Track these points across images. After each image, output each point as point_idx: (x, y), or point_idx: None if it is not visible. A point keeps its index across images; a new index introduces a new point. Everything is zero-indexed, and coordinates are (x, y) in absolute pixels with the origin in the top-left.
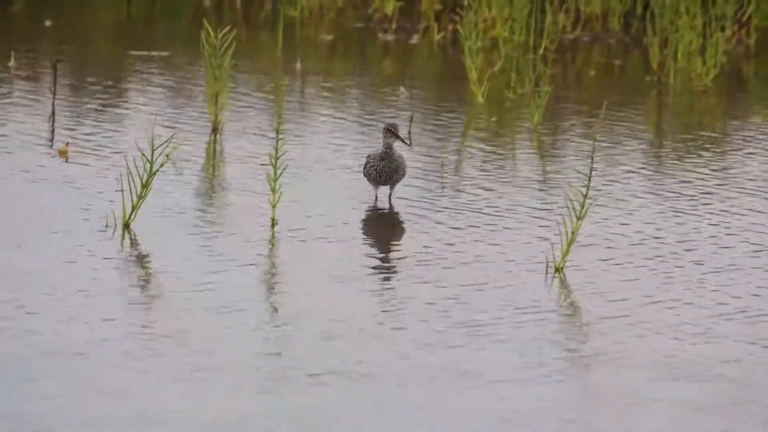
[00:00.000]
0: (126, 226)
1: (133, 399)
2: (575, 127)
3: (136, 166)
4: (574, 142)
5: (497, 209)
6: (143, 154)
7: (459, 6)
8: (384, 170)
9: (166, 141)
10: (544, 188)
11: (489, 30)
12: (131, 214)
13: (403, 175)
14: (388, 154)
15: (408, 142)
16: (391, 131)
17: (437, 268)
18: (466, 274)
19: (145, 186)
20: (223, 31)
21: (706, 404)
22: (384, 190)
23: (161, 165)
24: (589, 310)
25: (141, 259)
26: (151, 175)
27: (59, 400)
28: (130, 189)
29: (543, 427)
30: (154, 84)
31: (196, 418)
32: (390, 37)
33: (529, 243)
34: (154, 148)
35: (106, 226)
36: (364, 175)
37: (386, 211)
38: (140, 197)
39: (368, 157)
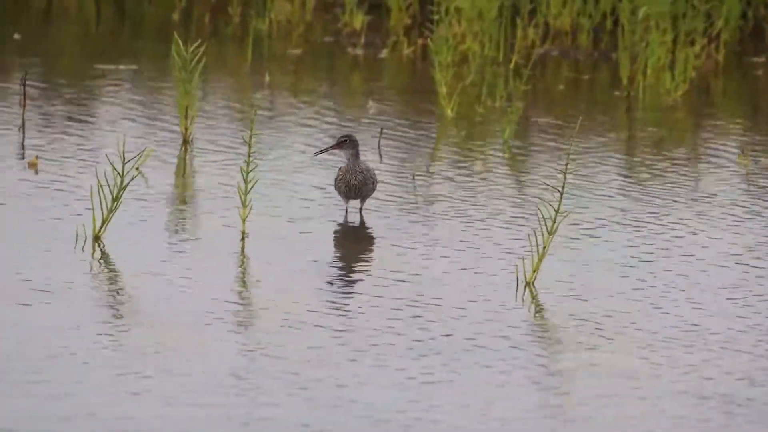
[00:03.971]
0: (96, 238)
1: (102, 409)
2: (545, 141)
3: (106, 179)
4: (544, 156)
5: (468, 223)
6: (114, 168)
7: (428, 21)
8: (351, 183)
9: (137, 155)
10: (515, 203)
11: (459, 44)
12: (102, 227)
13: (373, 189)
14: (350, 165)
15: (322, 150)
16: (339, 143)
17: (407, 282)
18: (435, 287)
19: (116, 199)
20: (194, 45)
21: (680, 414)
22: (354, 203)
23: (132, 179)
24: (558, 324)
25: (111, 272)
26: (122, 188)
27: (21, 410)
28: (101, 201)
29: None
30: (123, 97)
31: (163, 428)
32: (359, 52)
33: (500, 257)
34: (125, 161)
35: (77, 239)
36: (335, 189)
37: (356, 224)
38: (110, 210)
39: (339, 170)
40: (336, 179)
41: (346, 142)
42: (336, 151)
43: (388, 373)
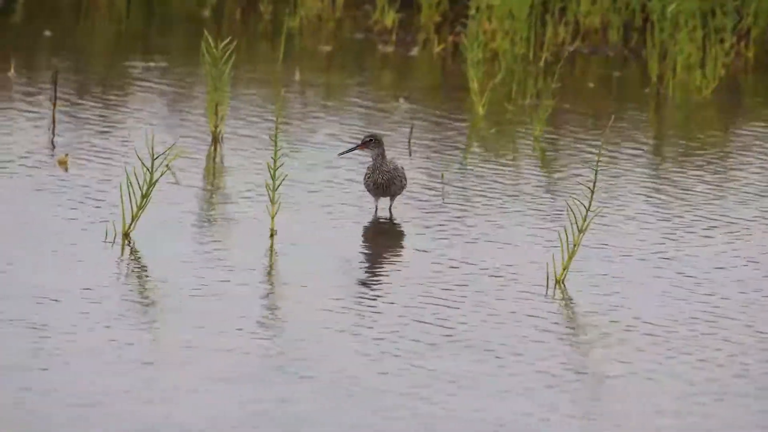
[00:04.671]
0: (126, 235)
1: (132, 407)
2: (576, 139)
3: (135, 176)
4: (575, 153)
5: (498, 221)
6: (143, 164)
7: (459, 18)
8: (378, 182)
9: (166, 151)
10: (545, 200)
11: (489, 42)
12: (131, 224)
13: (403, 187)
14: (377, 165)
15: (346, 151)
16: (364, 143)
17: (437, 280)
18: (465, 285)
19: (145, 196)
20: (224, 42)
21: (711, 419)
22: (384, 201)
23: (161, 175)
24: (589, 322)
25: (140, 269)
26: (151, 185)
27: (56, 406)
28: (130, 199)
29: None
30: (153, 94)
31: (194, 425)
32: (389, 49)
33: (531, 255)
34: (154, 158)
35: (106, 236)
36: (364, 186)
37: (386, 222)
38: (140, 207)
39: (367, 168)
40: (365, 177)
41: (371, 142)
42: (361, 150)
43: (417, 370)
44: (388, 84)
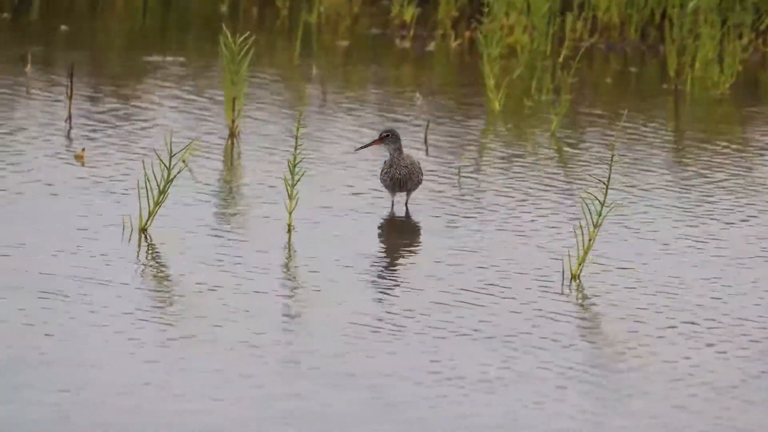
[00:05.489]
0: (143, 230)
1: (149, 401)
2: (593, 134)
3: (153, 172)
4: (591, 149)
5: (514, 216)
6: (161, 160)
7: (476, 13)
8: (395, 177)
9: (184, 149)
10: (562, 196)
11: (507, 37)
12: (148, 219)
13: (419, 182)
14: (395, 160)
15: (362, 146)
16: (381, 137)
17: (453, 274)
18: (482, 280)
19: (163, 192)
20: (242, 37)
21: (728, 415)
22: (400, 196)
23: (179, 172)
24: (605, 318)
25: (158, 264)
26: (169, 181)
27: (74, 400)
28: (147, 194)
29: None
30: (170, 89)
31: (213, 420)
32: (407, 44)
33: (546, 250)
34: (172, 154)
35: (123, 230)
36: (381, 182)
37: (402, 217)
38: (157, 203)
39: (384, 163)
40: (381, 172)
41: (388, 137)
42: (378, 146)
43: (434, 365)
44: (404, 79)
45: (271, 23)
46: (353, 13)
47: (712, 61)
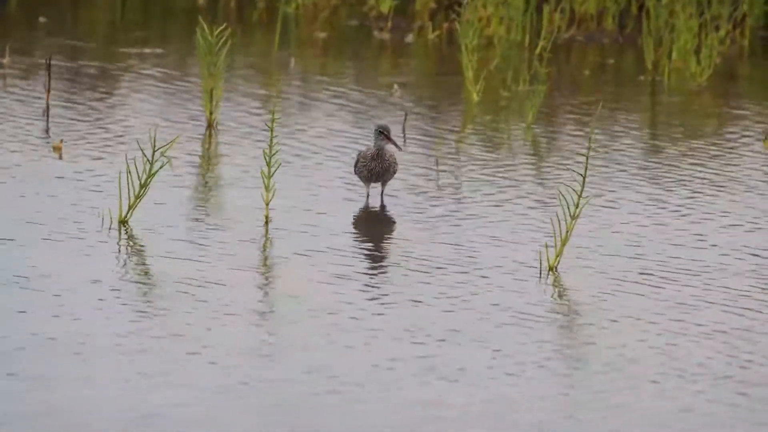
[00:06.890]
0: (122, 222)
1: (126, 394)
2: (570, 126)
3: (135, 164)
4: (568, 141)
5: (491, 208)
6: (144, 155)
7: (454, 5)
8: (375, 170)
9: (167, 144)
10: (538, 187)
11: (485, 29)
12: (128, 212)
13: (394, 173)
14: (379, 155)
15: (401, 146)
16: (383, 134)
17: (429, 266)
18: (458, 272)
19: (144, 186)
20: (219, 28)
21: (698, 405)
22: (376, 187)
23: (161, 167)
24: (582, 310)
25: (137, 256)
26: (151, 175)
27: (49, 392)
28: (128, 187)
29: (533, 423)
30: (148, 81)
31: (186, 414)
32: (385, 36)
33: (523, 242)
34: (155, 149)
35: (102, 223)
36: (355, 173)
37: (378, 209)
38: (137, 197)
39: (359, 155)
40: (356, 164)
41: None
42: (384, 141)
43: (410, 358)
44: (383, 70)
45: (249, 15)
46: (331, 4)
47: (689, 53)
